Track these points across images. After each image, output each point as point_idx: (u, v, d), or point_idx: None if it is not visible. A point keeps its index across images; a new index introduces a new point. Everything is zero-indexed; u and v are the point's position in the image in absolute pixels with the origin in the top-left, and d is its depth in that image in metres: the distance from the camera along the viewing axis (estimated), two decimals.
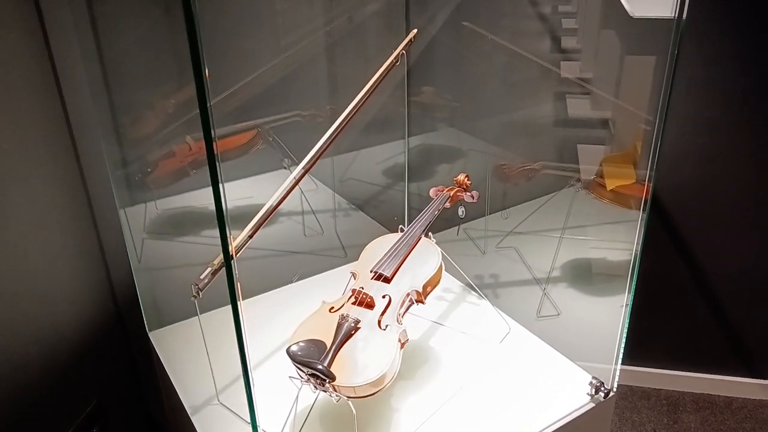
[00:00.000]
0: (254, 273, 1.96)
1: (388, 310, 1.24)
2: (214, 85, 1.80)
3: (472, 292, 1.80)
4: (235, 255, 1.31)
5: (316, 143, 1.43)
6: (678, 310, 2.18)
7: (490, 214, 1.94)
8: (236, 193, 1.94)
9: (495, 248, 1.98)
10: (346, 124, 1.45)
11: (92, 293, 1.62)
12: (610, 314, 1.45)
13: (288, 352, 1.19)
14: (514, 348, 1.55)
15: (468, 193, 1.54)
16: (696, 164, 1.98)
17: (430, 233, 1.44)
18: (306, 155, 1.47)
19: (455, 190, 1.54)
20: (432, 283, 1.32)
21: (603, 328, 1.49)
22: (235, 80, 1.82)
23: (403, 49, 1.54)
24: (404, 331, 1.22)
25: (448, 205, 1.52)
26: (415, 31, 1.57)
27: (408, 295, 1.28)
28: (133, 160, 1.79)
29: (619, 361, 1.38)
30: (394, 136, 2.12)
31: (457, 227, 1.78)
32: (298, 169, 1.41)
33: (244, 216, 1.87)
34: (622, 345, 1.37)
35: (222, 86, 1.78)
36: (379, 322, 1.22)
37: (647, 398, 2.22)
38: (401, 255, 1.34)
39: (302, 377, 1.17)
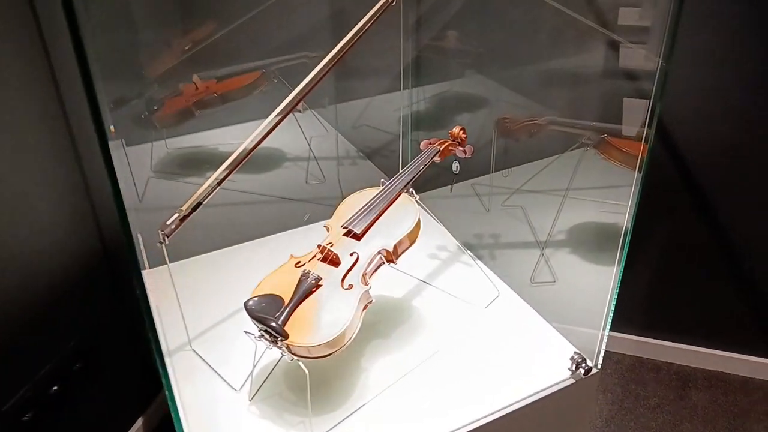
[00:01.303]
0: (248, 217, 1.92)
1: (353, 269, 1.18)
2: (217, 20, 1.73)
3: (468, 252, 1.72)
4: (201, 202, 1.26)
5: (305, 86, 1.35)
6: (698, 281, 2.04)
7: (495, 171, 1.83)
8: (237, 136, 1.90)
9: (500, 206, 1.88)
10: (329, 69, 1.36)
11: (77, 231, 1.61)
12: (607, 285, 1.34)
13: (245, 305, 1.14)
14: (500, 314, 1.47)
15: (461, 148, 1.44)
16: (730, 125, 1.80)
17: (412, 190, 1.35)
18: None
19: (447, 143, 1.44)
20: (404, 244, 1.24)
21: (598, 299, 1.39)
22: (238, 16, 1.73)
23: None
24: (367, 292, 1.16)
25: (437, 159, 1.42)
26: None
27: (378, 253, 1.21)
28: (135, 97, 1.75)
29: (605, 338, 1.28)
30: (414, 83, 2.00)
31: (451, 184, 1.68)
32: (273, 115, 1.33)
33: (249, 159, 1.83)
34: (609, 321, 1.27)
35: (224, 21, 1.71)
36: (343, 280, 1.16)
37: (656, 371, 2.11)
38: (376, 211, 1.26)
39: (256, 333, 1.12)
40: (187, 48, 1.76)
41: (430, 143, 1.43)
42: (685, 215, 1.95)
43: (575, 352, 1.30)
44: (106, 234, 1.70)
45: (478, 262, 1.65)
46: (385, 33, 1.87)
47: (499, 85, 1.95)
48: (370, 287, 1.19)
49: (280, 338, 1.09)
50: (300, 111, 2.00)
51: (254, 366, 1.27)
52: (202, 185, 1.28)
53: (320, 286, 1.16)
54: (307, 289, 1.14)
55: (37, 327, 1.49)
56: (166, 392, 0.93)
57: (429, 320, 1.45)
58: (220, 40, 1.74)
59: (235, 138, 1.93)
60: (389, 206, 1.28)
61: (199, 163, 1.93)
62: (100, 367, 1.72)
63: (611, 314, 1.28)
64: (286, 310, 1.11)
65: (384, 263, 1.23)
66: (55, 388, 1.55)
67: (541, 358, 1.34)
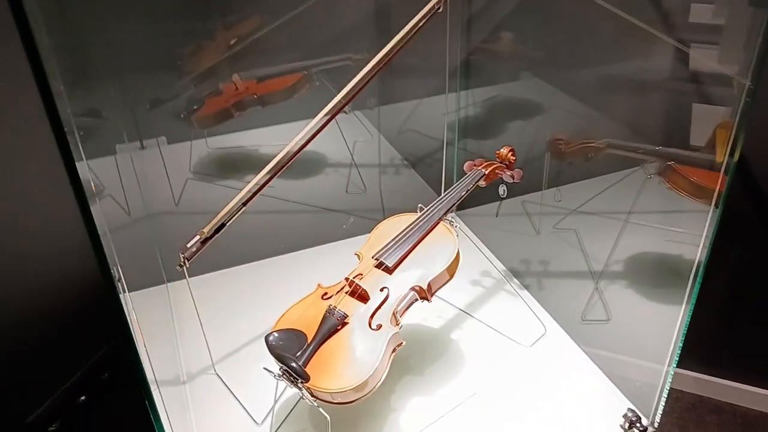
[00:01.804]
0: (283, 228, 1.85)
1: (383, 307, 1.08)
2: (260, 17, 1.65)
3: (514, 280, 1.59)
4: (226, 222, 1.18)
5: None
6: None
7: (547, 188, 1.68)
8: (278, 137, 1.83)
9: (552, 228, 1.74)
10: (372, 77, 1.27)
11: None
12: (669, 328, 1.19)
13: (266, 340, 1.06)
14: (546, 354, 1.35)
15: (508, 172, 1.31)
16: None
17: (451, 217, 1.24)
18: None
19: (494, 166, 1.31)
20: (441, 280, 1.13)
21: (658, 345, 1.24)
22: (280, 14, 1.66)
23: None
24: (397, 334, 1.06)
25: (482, 183, 1.30)
26: None
27: (411, 290, 1.10)
28: (173, 96, 1.70)
29: (664, 393, 1.14)
30: (466, 85, 1.88)
31: (497, 208, 1.56)
32: (311, 125, 1.24)
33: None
34: (671, 373, 1.13)
35: (267, 19, 1.63)
36: (371, 319, 1.06)
37: (718, 413, 1.93)
38: (410, 242, 1.16)
39: (277, 371, 1.04)
40: (232, 43, 1.69)
41: (475, 165, 1.32)
42: (759, 246, 1.76)
43: (629, 409, 1.17)
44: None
45: (524, 292, 1.53)
46: (435, 33, 1.76)
47: (557, 90, 1.80)
48: (400, 327, 1.09)
49: (300, 380, 1.00)
50: (345, 112, 1.92)
51: (275, 402, 1.19)
52: (230, 201, 1.21)
53: (346, 324, 1.06)
54: (332, 327, 1.05)
55: (64, 336, 1.46)
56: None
57: (467, 357, 1.34)
58: (262, 39, 1.66)
59: (275, 139, 1.86)
60: (425, 236, 1.17)
61: (238, 164, 1.87)
62: (128, 377, 1.68)
63: (674, 364, 1.14)
64: (308, 350, 1.03)
65: (417, 300, 1.12)
66: (83, 397, 1.52)
67: (590, 411, 1.21)
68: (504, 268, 1.64)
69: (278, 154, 1.25)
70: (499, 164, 1.32)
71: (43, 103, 0.52)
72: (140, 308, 1.47)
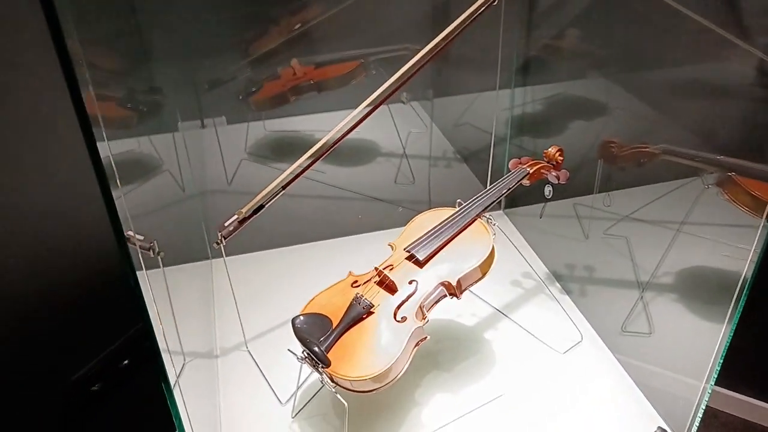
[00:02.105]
0: (328, 213, 1.86)
1: (410, 299, 1.07)
2: (322, 4, 1.66)
3: (556, 284, 1.55)
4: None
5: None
6: None
7: (599, 192, 1.62)
8: (333, 124, 1.84)
9: (602, 234, 1.68)
10: (422, 66, 1.26)
11: None
12: (711, 346, 1.13)
13: (292, 323, 1.07)
14: (580, 362, 1.31)
15: (554, 173, 1.27)
16: None
17: (489, 216, 1.21)
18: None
19: (540, 165, 1.28)
20: (472, 277, 1.11)
21: (697, 364, 1.18)
22: (340, 2, 1.66)
23: None
24: (421, 328, 1.05)
25: (526, 182, 1.27)
26: None
27: (440, 285, 1.09)
28: (231, 77, 1.73)
29: (699, 415, 1.08)
30: (525, 81, 1.83)
31: (542, 209, 1.51)
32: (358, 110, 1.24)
33: (343, 150, 1.78)
34: (706, 396, 1.07)
35: (328, 6, 1.64)
36: (397, 311, 1.06)
37: None
38: (443, 237, 1.14)
39: (300, 354, 1.05)
40: (295, 28, 1.71)
41: (521, 163, 1.28)
42: None
43: (659, 428, 1.12)
44: None
45: (565, 297, 1.48)
46: (497, 27, 1.72)
47: (624, 91, 1.73)
48: (426, 322, 1.08)
49: (321, 365, 1.01)
50: (402, 102, 1.91)
51: (299, 384, 1.20)
52: (270, 183, 1.23)
53: (372, 313, 1.06)
54: (356, 315, 1.05)
55: (112, 301, 1.52)
56: (171, 408, 0.87)
57: (498, 358, 1.32)
58: (322, 25, 1.67)
59: (330, 125, 1.88)
60: (460, 233, 1.15)
61: (293, 148, 1.89)
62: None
63: (710, 386, 1.08)
64: (332, 336, 1.03)
65: (446, 296, 1.11)
66: (126, 362, 1.59)
67: (619, 425, 1.17)
68: (546, 270, 1.60)
69: (322, 139, 1.25)
70: (546, 164, 1.28)
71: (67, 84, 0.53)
72: (185, 282, 1.52)
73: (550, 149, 1.29)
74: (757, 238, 0.96)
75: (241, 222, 1.18)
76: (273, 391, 1.25)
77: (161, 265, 1.19)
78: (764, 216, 1.00)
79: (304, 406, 1.22)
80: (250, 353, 1.35)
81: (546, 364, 1.30)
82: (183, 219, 1.66)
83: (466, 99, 2.01)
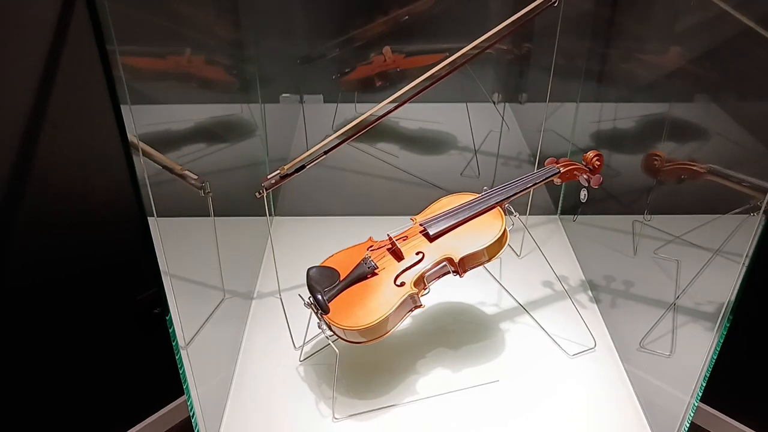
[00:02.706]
0: (392, 193, 1.96)
1: (413, 268, 1.14)
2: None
3: (588, 291, 1.55)
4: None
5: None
6: None
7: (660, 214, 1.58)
8: (417, 113, 1.94)
9: (653, 253, 1.64)
10: (464, 63, 1.32)
11: None
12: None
13: (307, 271, 1.19)
14: (585, 369, 1.31)
15: (585, 176, 1.28)
16: None
17: (510, 207, 1.25)
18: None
19: (574, 167, 1.29)
20: (476, 259, 1.16)
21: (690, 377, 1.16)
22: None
23: None
24: (415, 295, 1.12)
25: (557, 181, 1.29)
26: None
27: (444, 259, 1.15)
28: (321, 56, 1.88)
29: (684, 427, 1.07)
30: (616, 95, 1.83)
31: (577, 213, 1.51)
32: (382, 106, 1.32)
33: (421, 139, 1.95)
34: (693, 406, 1.05)
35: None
36: (397, 276, 1.14)
37: None
38: (458, 218, 1.20)
39: (307, 299, 1.16)
40: (404, 19, 1.82)
41: (556, 162, 1.30)
42: None
43: None
44: None
45: (594, 305, 1.48)
46: (584, 38, 1.74)
47: (728, 118, 1.67)
48: (428, 291, 1.15)
49: (320, 311, 1.11)
50: (493, 102, 1.97)
51: (308, 327, 1.31)
52: (314, 146, 1.34)
53: (376, 274, 1.15)
54: (361, 274, 1.15)
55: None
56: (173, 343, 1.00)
57: (506, 348, 1.36)
58: (421, 18, 1.77)
59: (413, 114, 1.98)
60: (476, 216, 1.21)
61: (373, 131, 2.01)
62: None
63: (697, 396, 1.07)
64: (336, 288, 1.13)
65: (449, 272, 1.17)
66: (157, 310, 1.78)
67: (606, 428, 1.17)
68: (583, 278, 1.60)
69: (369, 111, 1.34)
70: (581, 166, 1.30)
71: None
72: (246, 231, 1.68)
73: (588, 153, 1.30)
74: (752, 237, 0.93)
75: (283, 177, 1.30)
76: (290, 334, 1.37)
77: (210, 205, 1.35)
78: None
79: (313, 354, 1.33)
80: (281, 300, 1.48)
81: (551, 363, 1.32)
82: (259, 178, 1.83)
83: (554, 107, 2.02)
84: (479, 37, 1.85)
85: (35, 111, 1.26)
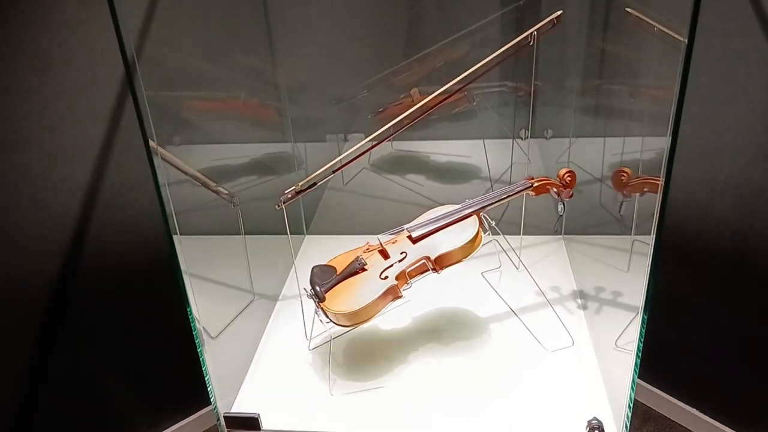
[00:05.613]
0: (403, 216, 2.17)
1: (396, 265, 1.35)
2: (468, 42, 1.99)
3: (578, 299, 1.69)
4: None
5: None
6: None
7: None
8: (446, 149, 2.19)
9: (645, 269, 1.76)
10: (442, 101, 1.54)
11: None
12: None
13: (311, 269, 1.42)
14: (561, 362, 1.45)
15: (554, 189, 1.46)
16: None
17: (485, 216, 1.44)
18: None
19: (546, 182, 1.47)
20: (450, 258, 1.36)
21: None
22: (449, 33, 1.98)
23: (537, 29, 1.50)
24: (396, 287, 1.33)
25: (532, 193, 1.47)
26: (559, 12, 1.49)
27: (422, 258, 1.36)
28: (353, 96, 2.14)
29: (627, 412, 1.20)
30: (651, 130, 1.98)
31: (555, 225, 1.66)
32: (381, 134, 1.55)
33: (447, 171, 2.17)
34: (632, 394, 1.19)
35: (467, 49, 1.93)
36: (383, 271, 1.35)
37: None
38: (438, 224, 1.40)
39: (309, 291, 1.39)
40: (439, 65, 2.06)
41: (529, 178, 1.49)
42: None
43: (594, 418, 1.24)
44: None
45: (579, 312, 1.62)
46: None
47: None
48: (409, 286, 1.35)
49: (317, 300, 1.34)
50: (521, 138, 2.16)
51: (313, 318, 1.52)
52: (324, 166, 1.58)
53: (365, 270, 1.37)
54: (353, 269, 1.37)
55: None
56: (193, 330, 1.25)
57: (492, 343, 1.52)
58: (451, 64, 1.99)
59: (444, 150, 2.21)
60: (454, 223, 1.40)
61: (409, 167, 2.25)
62: None
63: (634, 373, 1.20)
64: (332, 281, 1.36)
65: (428, 270, 1.37)
66: None
67: (573, 419, 1.31)
68: (575, 288, 1.73)
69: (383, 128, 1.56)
70: (554, 181, 1.47)
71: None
72: (281, 246, 1.93)
73: (561, 170, 1.47)
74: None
75: (297, 193, 1.55)
76: (305, 330, 1.59)
77: (240, 217, 1.62)
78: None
79: (322, 344, 1.54)
80: (301, 300, 1.71)
81: (529, 357, 1.47)
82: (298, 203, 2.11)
83: (580, 141, 2.16)
84: (500, 80, 2.07)
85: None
